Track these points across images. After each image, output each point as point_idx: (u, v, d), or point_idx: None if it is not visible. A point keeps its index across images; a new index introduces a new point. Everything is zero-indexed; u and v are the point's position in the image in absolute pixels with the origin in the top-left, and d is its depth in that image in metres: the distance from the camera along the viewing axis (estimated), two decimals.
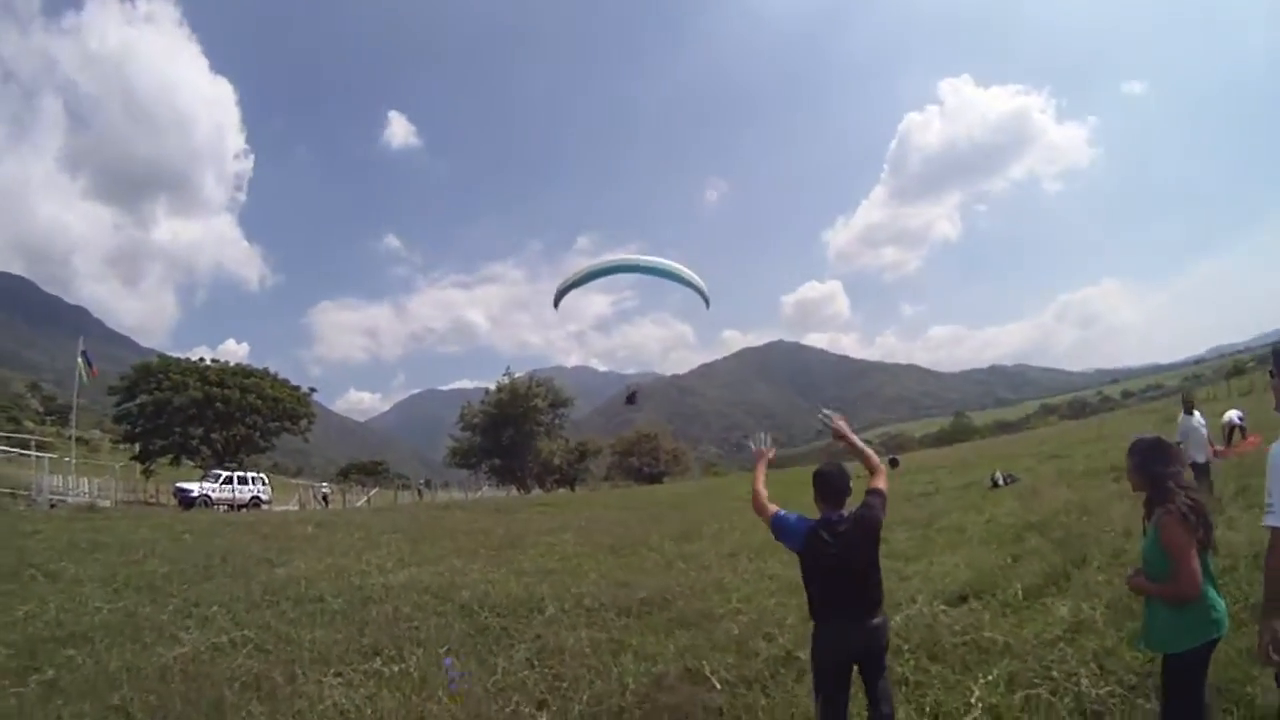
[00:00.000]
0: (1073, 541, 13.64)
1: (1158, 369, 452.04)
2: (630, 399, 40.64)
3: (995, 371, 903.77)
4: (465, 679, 8.65)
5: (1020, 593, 10.91)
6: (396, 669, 9.36)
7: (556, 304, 31.36)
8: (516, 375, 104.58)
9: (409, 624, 11.73)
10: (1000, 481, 27.50)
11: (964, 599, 11.24)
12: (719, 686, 8.56)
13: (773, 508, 6.33)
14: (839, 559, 5.82)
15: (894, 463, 56.29)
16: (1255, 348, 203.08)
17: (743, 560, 17.18)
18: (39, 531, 21.95)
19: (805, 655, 7.54)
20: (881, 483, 6.36)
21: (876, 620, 5.96)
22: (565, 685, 8.78)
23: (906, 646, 9.16)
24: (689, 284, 28.61)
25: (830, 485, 6.13)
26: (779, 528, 6.22)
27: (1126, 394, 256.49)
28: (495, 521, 30.99)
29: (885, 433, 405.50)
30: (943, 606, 10.87)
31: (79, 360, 52.06)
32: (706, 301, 29.70)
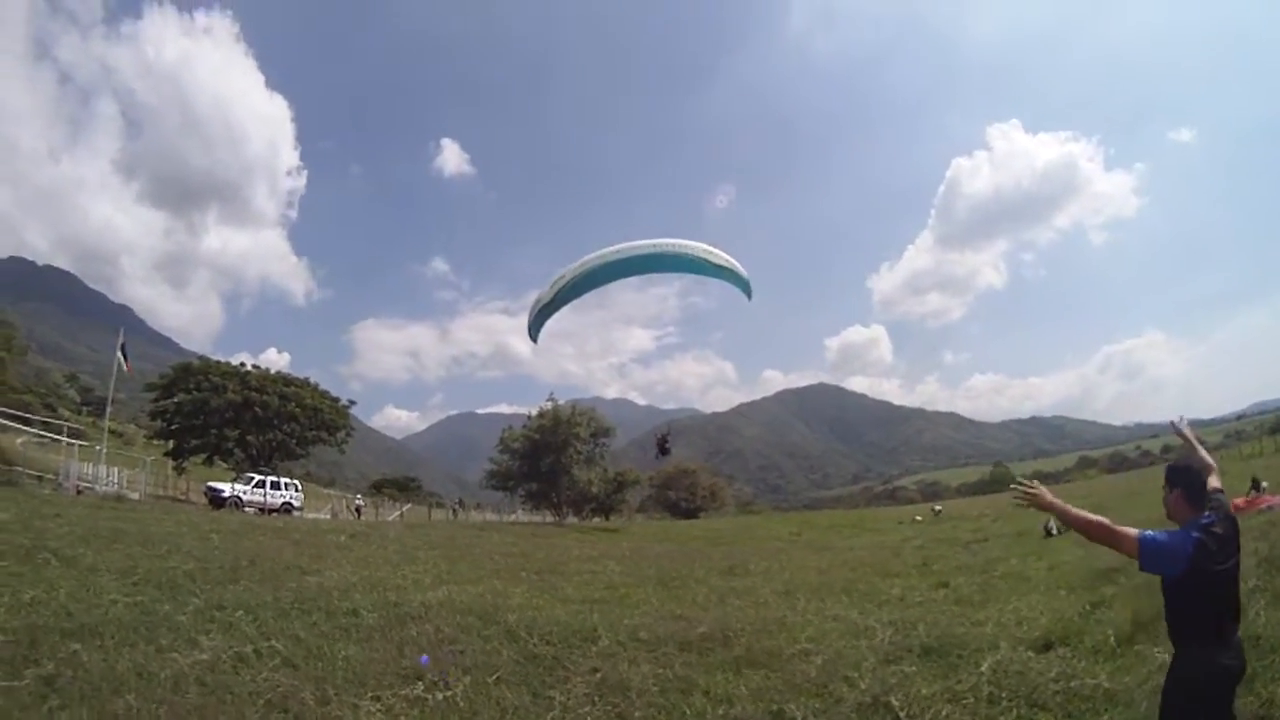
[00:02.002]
0: (1157, 589, 12.65)
1: (1198, 424, 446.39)
2: (661, 449, 38.76)
3: (1035, 422, 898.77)
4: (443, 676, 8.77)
5: (1113, 639, 10.36)
6: (441, 696, 8.36)
7: (535, 336, 30.77)
8: (560, 402, 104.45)
9: (452, 646, 10.68)
10: (1054, 530, 26.73)
11: (1048, 646, 10.76)
12: None
13: (1131, 530, 5.32)
14: (1228, 566, 5.17)
15: (936, 511, 55.57)
16: None
17: (800, 600, 16.26)
18: (60, 515, 20.74)
19: (895, 700, 7.74)
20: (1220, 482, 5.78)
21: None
22: None
23: (1003, 695, 8.69)
24: (713, 272, 27.78)
25: (1199, 481, 5.57)
26: (1153, 552, 5.22)
27: (1166, 449, 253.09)
28: (533, 545, 30.28)
29: (922, 480, 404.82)
30: (1029, 653, 10.37)
31: (118, 353, 51.85)
32: (747, 290, 28.71)
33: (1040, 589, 15.82)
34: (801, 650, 11.05)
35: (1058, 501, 5.76)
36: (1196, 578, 5.08)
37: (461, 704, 8.16)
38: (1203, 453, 6.14)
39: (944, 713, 8.21)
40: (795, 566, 23.21)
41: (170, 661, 9.02)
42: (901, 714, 8.16)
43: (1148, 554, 5.19)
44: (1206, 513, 5.31)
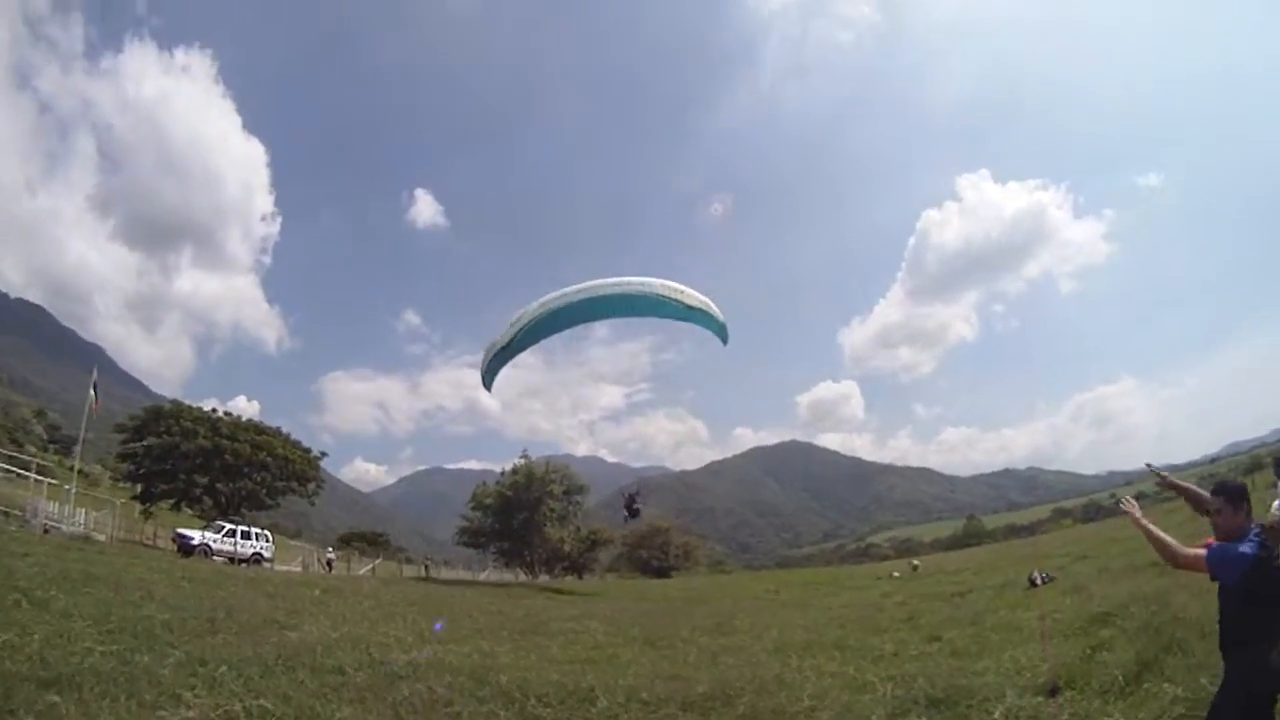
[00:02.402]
0: (1158, 628, 12.87)
1: (1172, 468, 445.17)
2: (630, 510, 38.59)
3: (1008, 474, 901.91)
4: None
5: (1121, 678, 10.46)
6: None
7: (489, 383, 30.73)
8: (533, 459, 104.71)
9: (447, 708, 10.37)
10: (1039, 580, 26.43)
11: (1055, 691, 10.69)
12: None
13: (1195, 548, 5.99)
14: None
15: (914, 567, 55.47)
16: (1270, 442, 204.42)
17: (793, 657, 15.98)
18: (29, 555, 20.48)
19: None
20: None
21: None
22: None
23: None
24: (684, 314, 27.70)
25: (1243, 495, 6.05)
26: (1222, 559, 5.83)
27: (1140, 495, 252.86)
28: (511, 604, 30.16)
29: (893, 537, 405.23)
30: (1037, 698, 10.43)
31: (91, 391, 51.81)
32: (723, 334, 28.46)
33: (1034, 638, 15.61)
34: (807, 708, 10.87)
35: (1144, 521, 6.50)
36: (1256, 581, 5.64)
37: None
38: (1194, 487, 7.03)
39: None
40: (781, 624, 23.03)
41: (155, 719, 8.70)
42: None
43: (1214, 559, 5.83)
44: (1254, 524, 5.82)
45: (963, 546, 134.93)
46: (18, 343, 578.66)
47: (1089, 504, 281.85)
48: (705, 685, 12.11)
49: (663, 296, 27.40)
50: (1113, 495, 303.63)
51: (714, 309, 27.80)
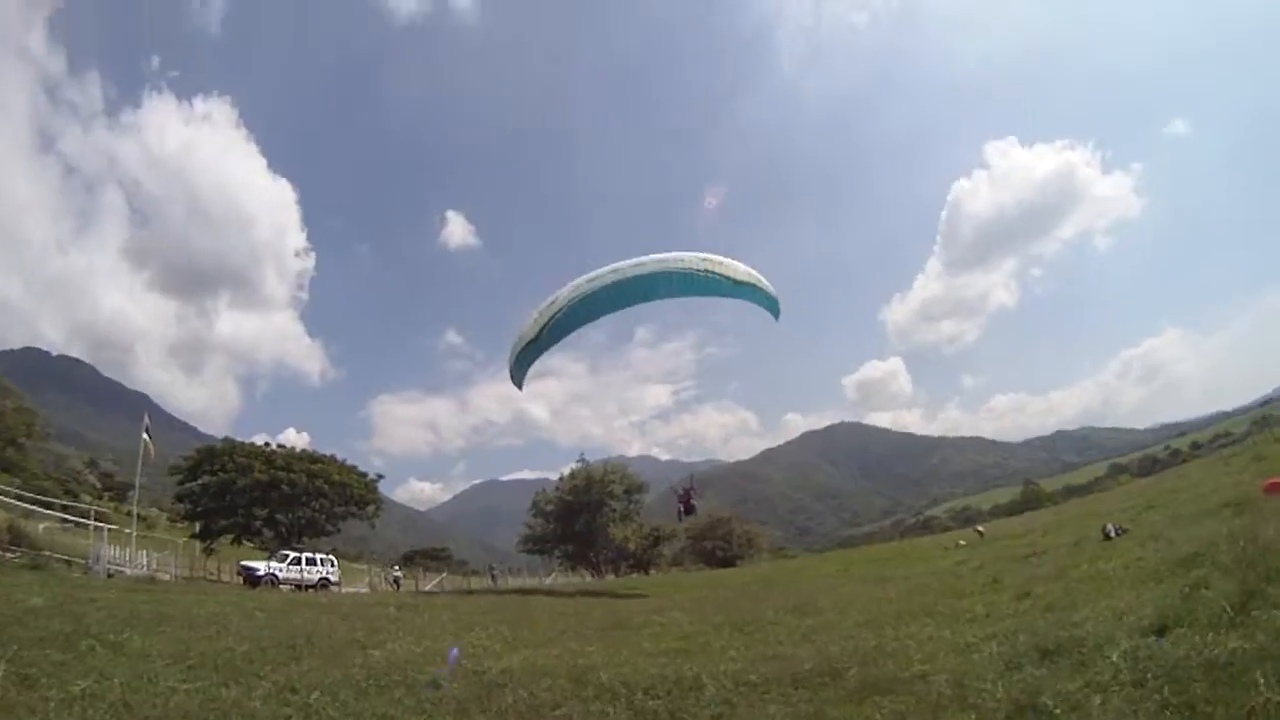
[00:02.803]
0: (1252, 561, 12.45)
1: (1224, 416, 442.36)
2: (687, 507, 38.15)
3: (1060, 436, 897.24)
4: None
5: (1229, 609, 10.16)
6: None
7: (519, 379, 30.36)
8: (590, 462, 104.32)
9: (555, 711, 10.10)
10: (1113, 533, 26.21)
11: (1163, 630, 10.43)
12: None
13: None
14: None
15: (979, 534, 55.02)
16: None
17: (886, 628, 15.60)
18: (95, 599, 20.31)
19: (1047, 699, 7.89)
20: None
21: None
22: None
23: (1146, 677, 8.61)
24: (732, 290, 26.00)
25: None
26: None
27: (1195, 445, 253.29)
28: (587, 605, 29.76)
29: (952, 508, 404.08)
30: (1149, 638, 10.19)
31: (144, 435, 51.82)
32: (774, 308, 26.78)
33: (1126, 585, 15.44)
34: (918, 673, 10.56)
35: None
36: None
37: None
38: None
39: (1097, 702, 7.93)
40: (863, 599, 22.64)
41: None
42: (1057, 711, 7.90)
43: None
44: None
45: (1022, 511, 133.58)
46: (63, 398, 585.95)
47: (1144, 458, 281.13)
48: (810, 662, 11.77)
49: (706, 273, 26.17)
50: (1166, 447, 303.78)
51: (763, 282, 26.39)
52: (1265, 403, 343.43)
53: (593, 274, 27.32)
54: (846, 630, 16.15)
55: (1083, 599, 14.96)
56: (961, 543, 50.93)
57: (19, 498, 52.41)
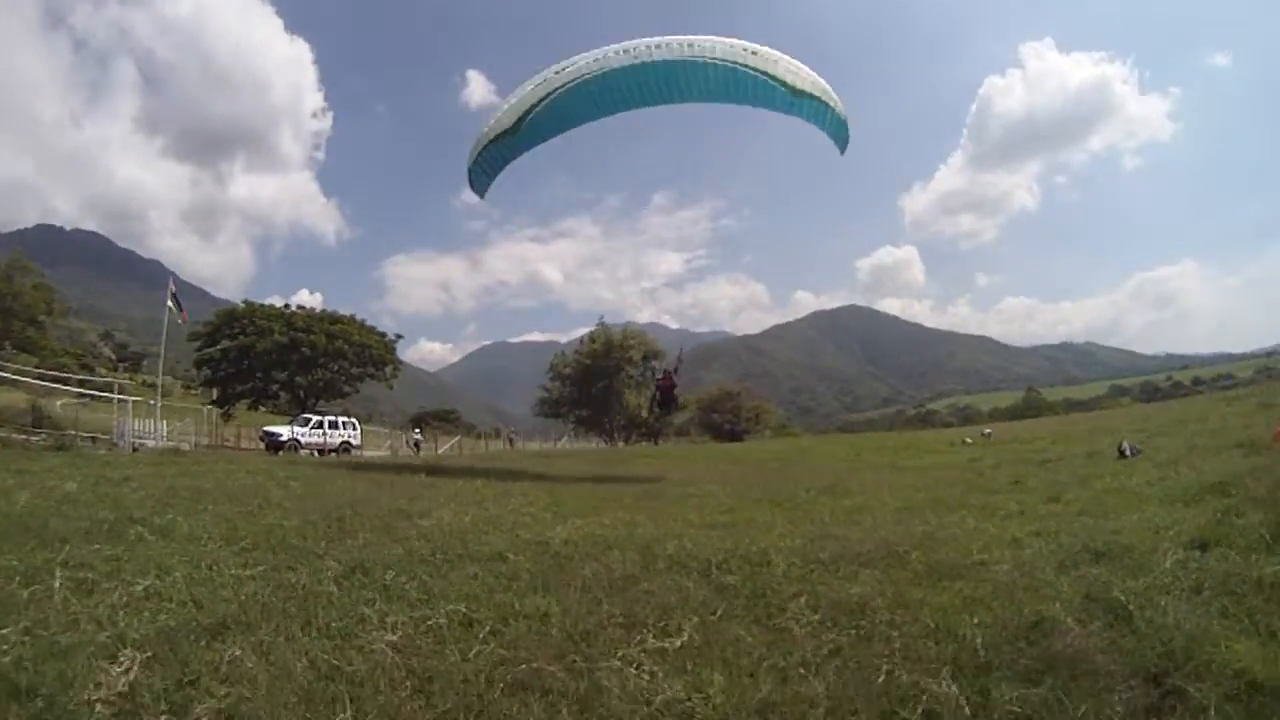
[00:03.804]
0: None
1: (1229, 358, 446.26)
2: (665, 396, 31.20)
3: (1066, 348, 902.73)
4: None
5: (1267, 536, 10.15)
6: (679, 643, 7.45)
7: (481, 184, 23.71)
8: (609, 326, 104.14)
9: (637, 586, 9.83)
10: (1128, 452, 26.05)
11: (1204, 546, 10.37)
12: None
13: None
14: None
15: (985, 434, 55.52)
16: None
17: (927, 516, 15.69)
18: (129, 478, 20.02)
19: (1119, 594, 8.08)
20: None
21: None
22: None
23: (1205, 587, 8.64)
24: (786, 102, 20.40)
25: None
26: None
27: (1197, 381, 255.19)
28: (611, 470, 29.99)
29: (953, 404, 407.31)
30: (1194, 552, 10.16)
31: (169, 303, 51.54)
32: (840, 134, 22.77)
33: (1155, 502, 15.27)
34: (978, 561, 10.68)
35: None
36: None
37: (704, 648, 7.40)
38: None
39: (1163, 604, 7.99)
40: (890, 485, 22.65)
41: (362, 649, 7.44)
42: (1131, 607, 7.96)
43: None
44: None
45: (1022, 417, 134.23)
46: (79, 271, 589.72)
47: (1146, 384, 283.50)
48: (869, 544, 11.88)
49: (756, 72, 19.43)
50: (1169, 377, 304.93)
51: (832, 95, 20.64)
52: (1271, 352, 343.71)
53: (597, 53, 20.49)
54: (888, 515, 16.25)
55: (1113, 510, 14.96)
56: (968, 440, 51.27)
57: (39, 377, 52.68)
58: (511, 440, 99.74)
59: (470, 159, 22.44)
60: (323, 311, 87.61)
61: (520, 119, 20.18)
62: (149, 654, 7.04)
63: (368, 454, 59.51)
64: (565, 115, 20.32)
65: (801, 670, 6.65)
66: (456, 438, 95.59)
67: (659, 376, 32.86)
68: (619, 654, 7.24)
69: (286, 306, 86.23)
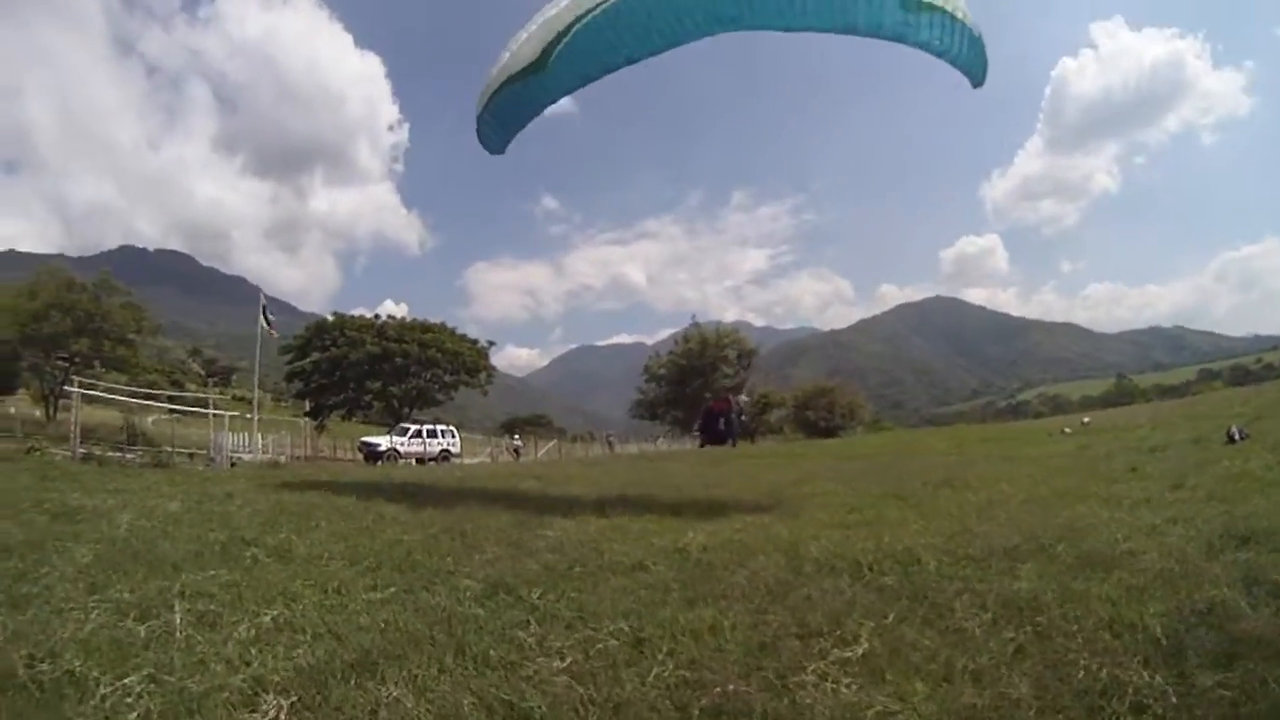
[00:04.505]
0: None
1: None
2: (712, 434, 27.25)
3: (1153, 333, 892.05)
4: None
5: None
6: (861, 651, 7.05)
7: (498, 142, 19.59)
8: (702, 325, 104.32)
9: (795, 592, 9.32)
10: (1237, 436, 25.60)
11: None
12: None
13: None
14: None
15: (1084, 423, 54.99)
16: None
17: (1055, 507, 15.36)
18: (232, 495, 19.80)
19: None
20: None
21: None
22: None
23: None
24: (899, 26, 15.33)
25: None
26: None
27: None
28: (721, 473, 29.67)
29: (1042, 393, 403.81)
30: None
31: (260, 319, 52.24)
32: (974, 64, 17.48)
33: (1279, 486, 15.12)
34: (1126, 550, 10.40)
35: None
36: None
37: (888, 655, 7.01)
38: None
39: None
40: (1006, 477, 22.00)
41: (536, 683, 6.64)
42: None
43: None
44: None
45: (1114, 405, 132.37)
46: (165, 291, 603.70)
47: (1235, 367, 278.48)
48: (1015, 538, 11.60)
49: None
50: (1259, 359, 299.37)
51: (961, 6, 15.77)
52: None
53: None
54: (1018, 508, 15.85)
55: (1239, 495, 14.72)
56: (1067, 430, 50.41)
57: (131, 394, 53.51)
58: (611, 443, 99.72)
59: (480, 104, 17.80)
60: (413, 321, 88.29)
61: (546, 50, 14.99)
62: (294, 698, 6.28)
63: (468, 461, 59.59)
64: (609, 44, 15.02)
65: (996, 672, 6.46)
66: (553, 441, 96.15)
67: (712, 411, 22.96)
68: (809, 667, 6.77)
69: (376, 317, 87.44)
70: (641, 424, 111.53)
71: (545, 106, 18.01)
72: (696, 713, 5.88)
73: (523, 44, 16.11)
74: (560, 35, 14.89)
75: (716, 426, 20.30)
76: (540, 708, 6.04)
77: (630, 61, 16.07)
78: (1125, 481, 18.86)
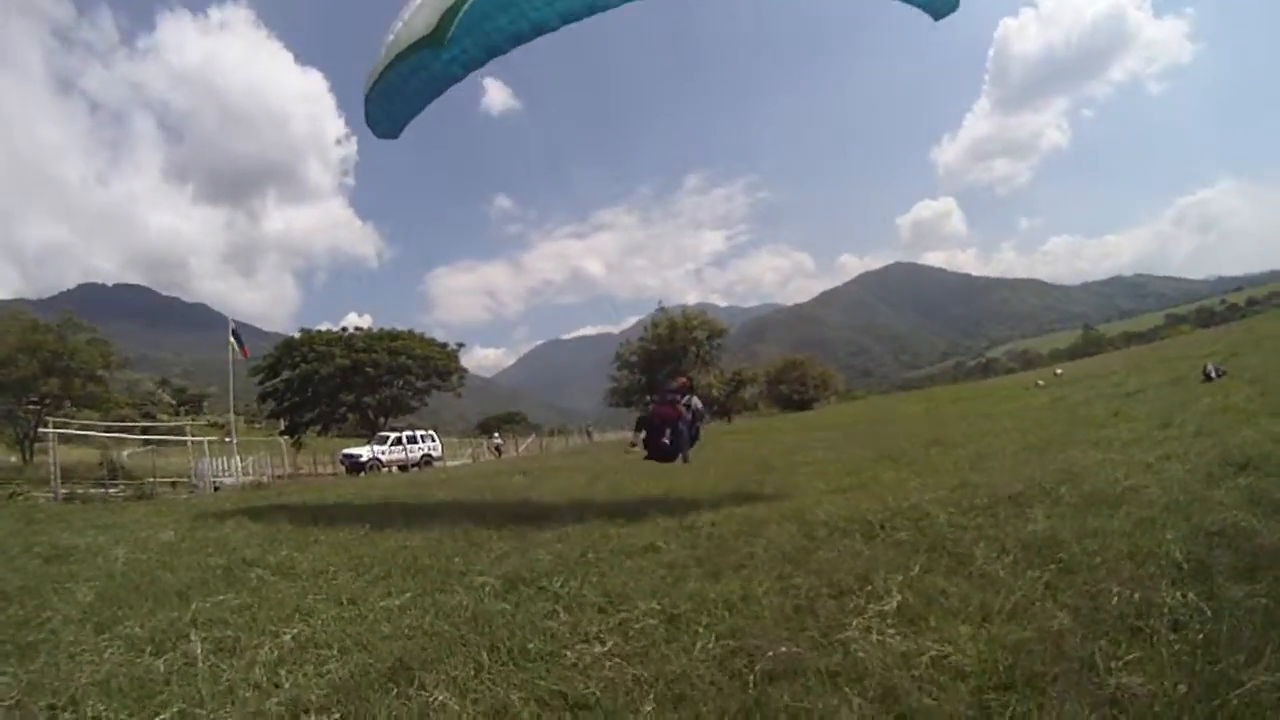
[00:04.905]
0: None
1: (1276, 274, 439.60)
2: (654, 445, 25.40)
3: (1116, 282, 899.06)
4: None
5: None
6: (894, 603, 7.05)
7: (390, 124, 17.13)
8: (668, 308, 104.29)
9: (813, 556, 9.34)
10: (1213, 373, 25.99)
11: None
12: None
13: None
14: None
15: (1056, 374, 55.37)
16: None
17: (1049, 454, 15.56)
18: (225, 518, 19.13)
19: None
20: None
21: None
22: None
23: None
24: None
25: None
26: None
27: (1252, 301, 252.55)
28: (705, 454, 29.79)
29: (1011, 350, 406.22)
30: None
31: (230, 340, 51.94)
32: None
33: (1266, 415, 15.46)
34: (1129, 487, 10.47)
35: None
36: None
37: (920, 604, 7.04)
38: None
39: None
40: (992, 432, 22.50)
41: (582, 670, 6.61)
42: None
43: None
44: None
45: (1083, 356, 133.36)
46: (127, 325, 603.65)
47: (1200, 310, 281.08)
48: (1018, 485, 11.66)
49: None
50: (1223, 300, 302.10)
51: None
52: None
53: None
54: (1010, 459, 16.00)
55: (1227, 427, 14.94)
56: (1040, 383, 50.96)
57: (108, 429, 53.37)
58: (590, 434, 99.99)
59: (368, 85, 15.44)
60: (380, 330, 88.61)
61: (444, 19, 12.62)
62: (336, 716, 6.11)
63: (451, 464, 59.44)
64: (517, 9, 13.23)
65: (1032, 608, 6.51)
66: (532, 437, 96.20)
67: (669, 387, 18.44)
68: (851, 623, 6.76)
69: (344, 330, 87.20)
70: (618, 412, 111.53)
71: (446, 86, 15.46)
72: (753, 678, 5.84)
73: (415, 12, 13.64)
74: (459, 1, 12.24)
75: (659, 439, 14.94)
76: (595, 694, 5.99)
77: (541, 30, 13.78)
78: (1111, 426, 19.04)
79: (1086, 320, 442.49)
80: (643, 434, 16.04)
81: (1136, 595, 6.32)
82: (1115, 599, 6.32)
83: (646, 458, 16.49)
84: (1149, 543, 7.74)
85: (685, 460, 16.25)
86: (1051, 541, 8.32)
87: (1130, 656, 5.25)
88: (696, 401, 16.70)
